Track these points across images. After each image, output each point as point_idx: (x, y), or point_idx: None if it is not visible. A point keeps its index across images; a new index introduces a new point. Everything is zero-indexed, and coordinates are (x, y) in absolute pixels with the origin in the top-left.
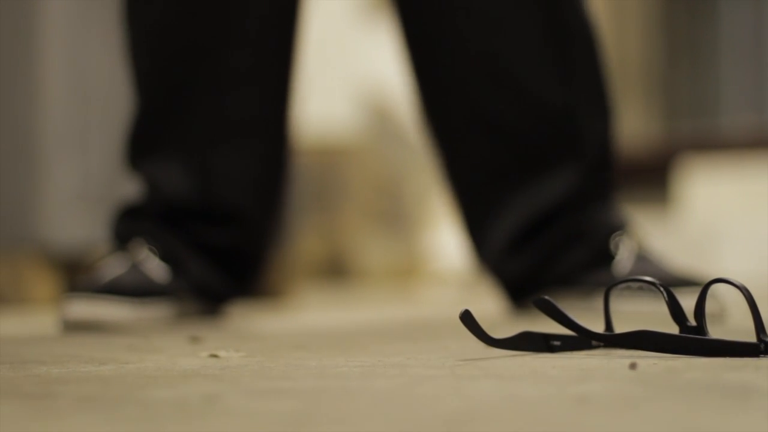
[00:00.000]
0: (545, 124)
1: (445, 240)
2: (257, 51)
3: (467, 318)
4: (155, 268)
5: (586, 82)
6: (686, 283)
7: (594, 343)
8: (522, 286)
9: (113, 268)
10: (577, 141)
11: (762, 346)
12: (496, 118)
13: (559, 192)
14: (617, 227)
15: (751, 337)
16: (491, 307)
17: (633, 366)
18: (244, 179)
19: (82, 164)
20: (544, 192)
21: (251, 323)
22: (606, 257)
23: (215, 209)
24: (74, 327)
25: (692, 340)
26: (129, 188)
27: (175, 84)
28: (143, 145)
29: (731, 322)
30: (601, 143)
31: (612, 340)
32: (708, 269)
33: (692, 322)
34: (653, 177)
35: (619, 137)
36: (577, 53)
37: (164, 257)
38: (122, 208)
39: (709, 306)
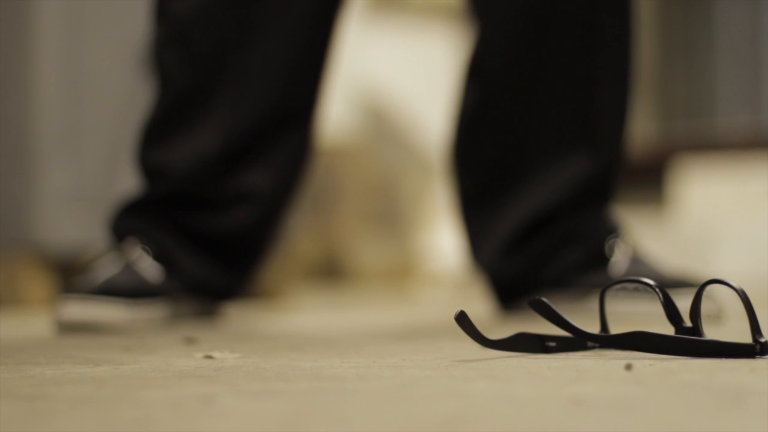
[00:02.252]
0: (562, 126)
1: (441, 241)
2: (290, 43)
3: (463, 319)
4: (148, 267)
5: (610, 90)
6: (682, 284)
7: (589, 344)
8: (517, 287)
9: (107, 268)
10: (592, 145)
11: (757, 347)
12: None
13: (555, 195)
14: (612, 230)
15: (746, 338)
16: (486, 308)
17: (628, 367)
18: (265, 163)
19: (77, 165)
20: (541, 195)
21: (246, 324)
22: (601, 259)
23: (231, 187)
24: (69, 328)
25: (687, 341)
26: (124, 189)
27: (203, 76)
28: (162, 134)
29: (727, 323)
30: (613, 151)
31: (607, 341)
32: (704, 270)
33: (688, 323)
34: (649, 178)
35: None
36: (606, 60)
37: (157, 257)
38: (121, 203)
39: (707, 307)
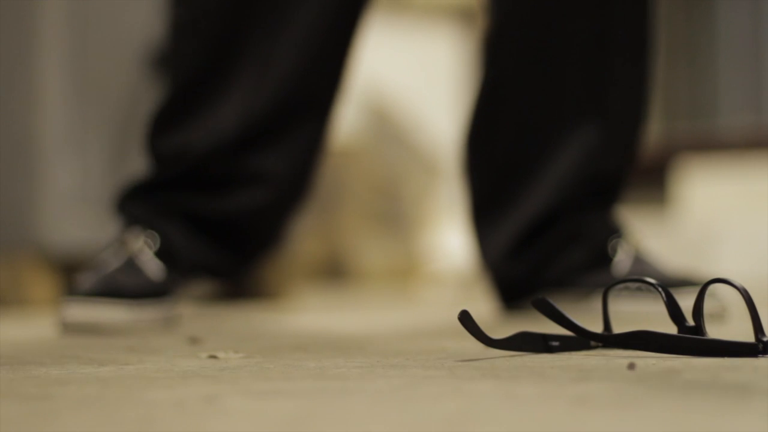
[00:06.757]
0: (574, 111)
1: (444, 241)
2: (311, 30)
3: (466, 318)
4: (149, 261)
5: (624, 78)
6: (684, 283)
7: (592, 343)
8: (520, 287)
9: (110, 264)
10: (605, 132)
11: (760, 346)
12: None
13: (559, 196)
14: (615, 230)
15: (749, 337)
16: (490, 307)
17: (631, 366)
18: (281, 148)
19: (81, 165)
20: (546, 195)
21: (250, 324)
22: (604, 259)
23: (247, 169)
24: (73, 329)
25: (691, 340)
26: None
27: (220, 59)
28: (178, 117)
29: (730, 322)
30: (625, 142)
31: (610, 341)
32: (706, 269)
33: (691, 322)
34: (651, 178)
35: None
36: (621, 52)
37: (159, 250)
38: (129, 185)
39: (710, 306)
